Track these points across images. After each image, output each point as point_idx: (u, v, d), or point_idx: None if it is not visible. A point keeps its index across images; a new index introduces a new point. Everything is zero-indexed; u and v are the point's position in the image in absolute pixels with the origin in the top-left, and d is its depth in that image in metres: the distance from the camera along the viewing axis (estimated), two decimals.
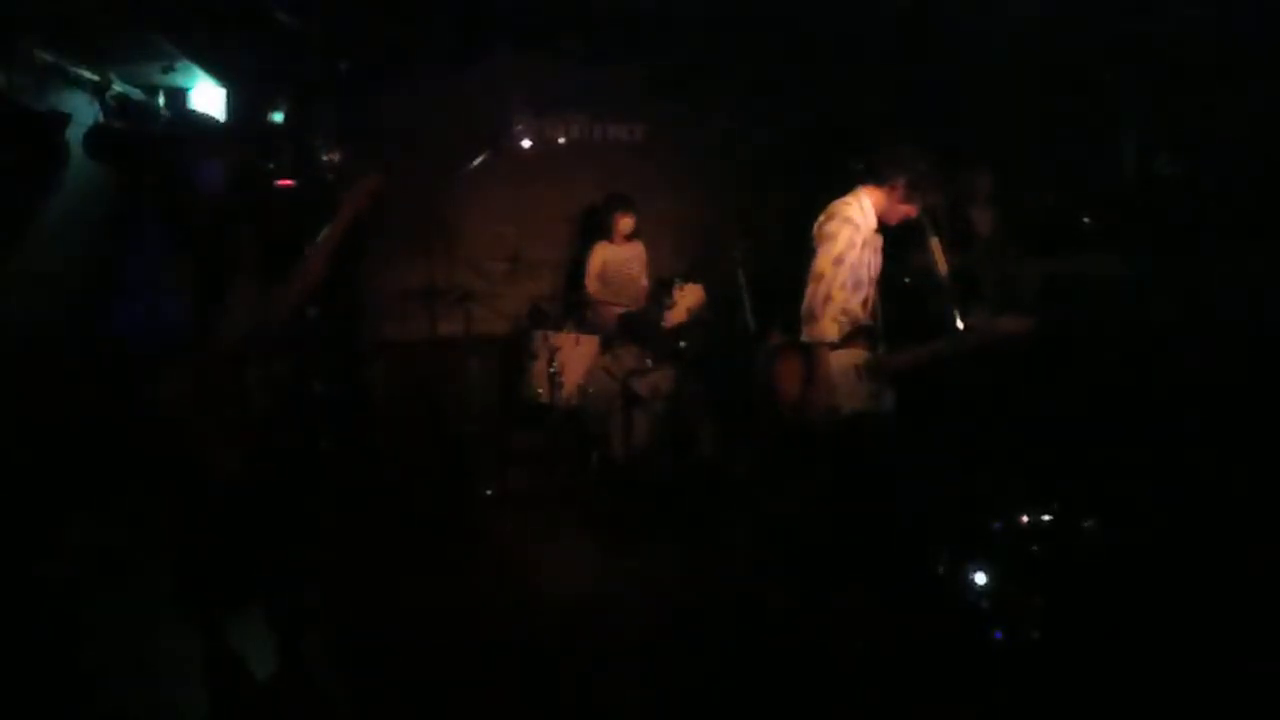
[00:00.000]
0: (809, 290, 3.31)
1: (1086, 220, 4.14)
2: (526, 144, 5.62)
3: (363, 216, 2.92)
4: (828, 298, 3.28)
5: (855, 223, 3.34)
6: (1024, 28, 4.33)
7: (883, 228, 3.52)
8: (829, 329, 3.29)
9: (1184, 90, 3.99)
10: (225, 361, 2.73)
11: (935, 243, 3.45)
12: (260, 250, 2.89)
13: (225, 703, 2.74)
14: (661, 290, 5.42)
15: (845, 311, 3.36)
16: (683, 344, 5.20)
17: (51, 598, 3.29)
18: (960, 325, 3.37)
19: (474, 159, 5.27)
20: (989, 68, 4.72)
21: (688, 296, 5.29)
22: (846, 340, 3.37)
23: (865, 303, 3.44)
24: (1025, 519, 3.46)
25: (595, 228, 5.79)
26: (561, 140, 5.97)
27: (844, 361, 3.34)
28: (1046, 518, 3.46)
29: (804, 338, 3.32)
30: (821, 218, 3.41)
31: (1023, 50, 4.48)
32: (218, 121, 4.41)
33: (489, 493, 4.90)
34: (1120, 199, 4.23)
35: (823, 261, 3.30)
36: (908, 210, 3.43)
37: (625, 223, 5.59)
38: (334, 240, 2.85)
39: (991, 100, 4.83)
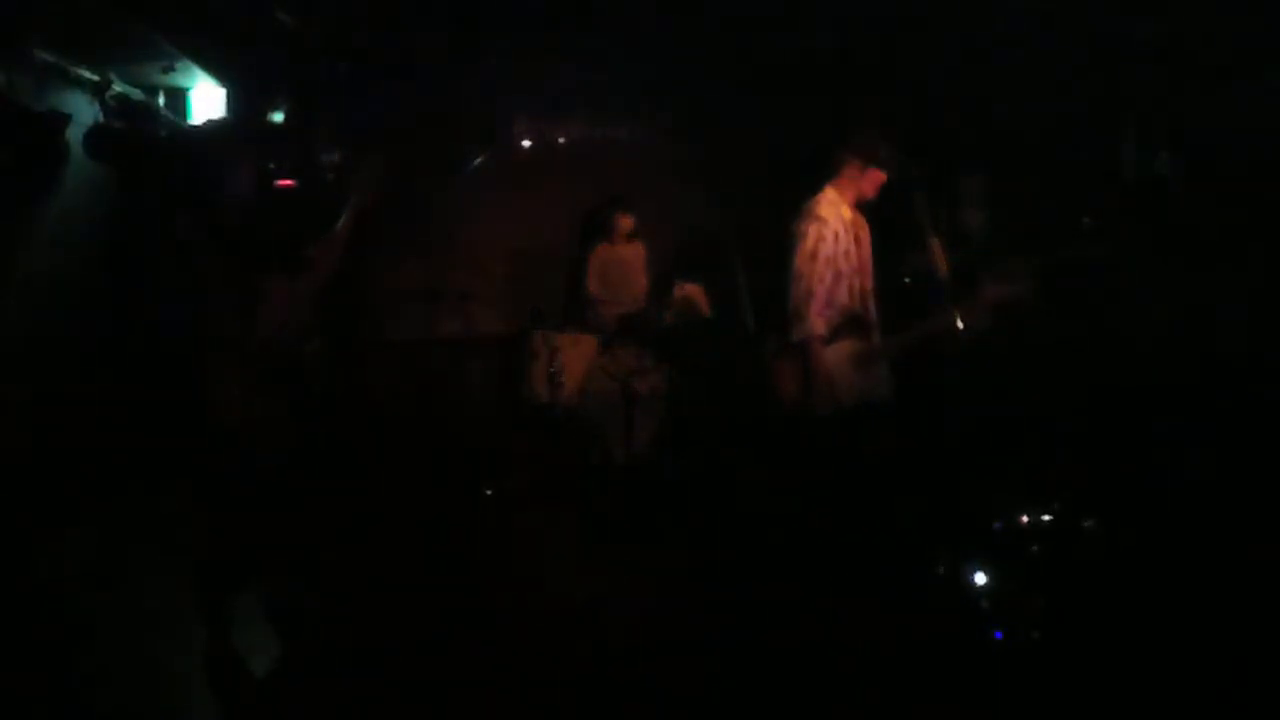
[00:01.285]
0: (791, 291, 3.40)
1: (1086, 220, 4.14)
2: (526, 144, 5.62)
3: (370, 207, 2.98)
4: (809, 294, 3.36)
5: (823, 218, 3.42)
6: (1023, 27, 4.32)
7: (877, 220, 3.57)
8: (816, 324, 3.35)
9: (1184, 90, 3.99)
10: (269, 352, 2.80)
11: (935, 243, 3.46)
12: (278, 248, 2.95)
13: (226, 702, 2.74)
14: (661, 290, 5.42)
15: (830, 305, 3.41)
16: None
17: (52, 598, 3.29)
18: (960, 325, 3.37)
19: (474, 159, 5.27)
20: (988, 68, 4.71)
21: (688, 297, 5.29)
22: (837, 333, 3.41)
23: (851, 292, 3.47)
24: (1025, 519, 3.46)
25: (595, 228, 5.79)
26: (561, 140, 5.97)
27: (838, 354, 3.38)
28: (1046, 518, 3.46)
29: (794, 337, 3.37)
30: (795, 219, 3.49)
31: (1022, 50, 4.48)
32: (234, 124, 4.43)
33: (489, 493, 4.90)
34: (1120, 199, 4.22)
35: (798, 261, 3.39)
36: (878, 179, 3.48)
37: (625, 223, 5.58)
38: (348, 229, 2.93)
39: (991, 100, 4.82)
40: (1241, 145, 3.74)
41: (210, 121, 4.46)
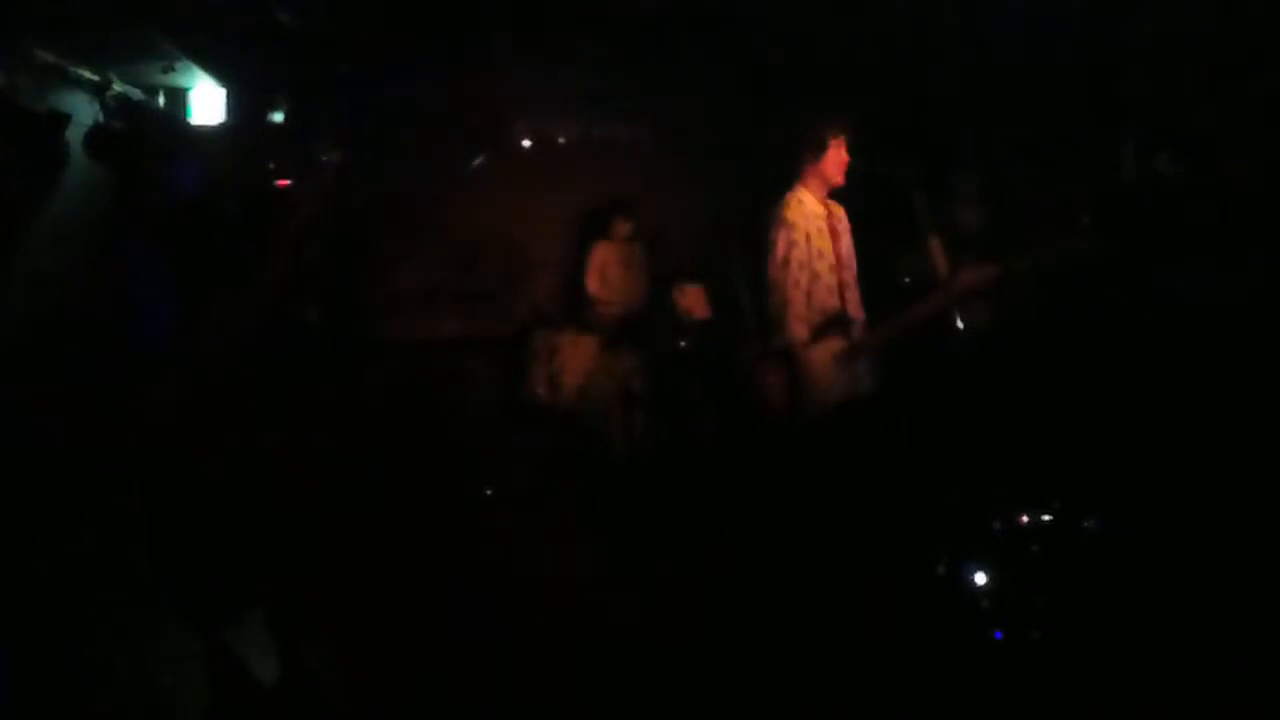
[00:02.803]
0: (769, 299, 3.40)
1: (1086, 220, 4.14)
2: (526, 144, 5.62)
3: (316, 218, 2.97)
4: (786, 301, 3.35)
5: (790, 222, 3.41)
6: (1023, 27, 4.32)
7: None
8: (797, 330, 3.35)
9: (1184, 90, 3.99)
10: (214, 366, 2.79)
11: (935, 243, 3.46)
12: (241, 254, 2.95)
13: (227, 706, 2.75)
14: (661, 290, 5.43)
15: (810, 307, 3.41)
16: (683, 344, 5.20)
17: (51, 598, 3.29)
18: (960, 325, 3.38)
19: (474, 159, 5.27)
20: (988, 67, 4.71)
21: (688, 297, 5.29)
22: (820, 333, 3.41)
23: (830, 290, 3.47)
24: (1025, 519, 3.46)
25: (595, 228, 5.79)
26: (561, 140, 5.97)
27: (822, 354, 3.38)
28: (1046, 518, 3.45)
29: (777, 344, 3.38)
30: (766, 223, 3.48)
31: (1022, 49, 4.48)
32: (192, 125, 4.41)
33: (489, 493, 4.90)
34: (1120, 199, 4.22)
35: (770, 270, 3.40)
36: (835, 163, 3.47)
37: (625, 223, 5.59)
38: (293, 241, 2.91)
39: (991, 100, 4.82)
40: (1241, 145, 3.74)
41: (169, 123, 4.43)
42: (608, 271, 5.64)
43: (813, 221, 3.44)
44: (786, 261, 3.37)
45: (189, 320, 2.77)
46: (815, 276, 3.42)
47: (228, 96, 4.62)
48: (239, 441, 2.88)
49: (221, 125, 4.52)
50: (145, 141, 4.02)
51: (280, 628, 2.98)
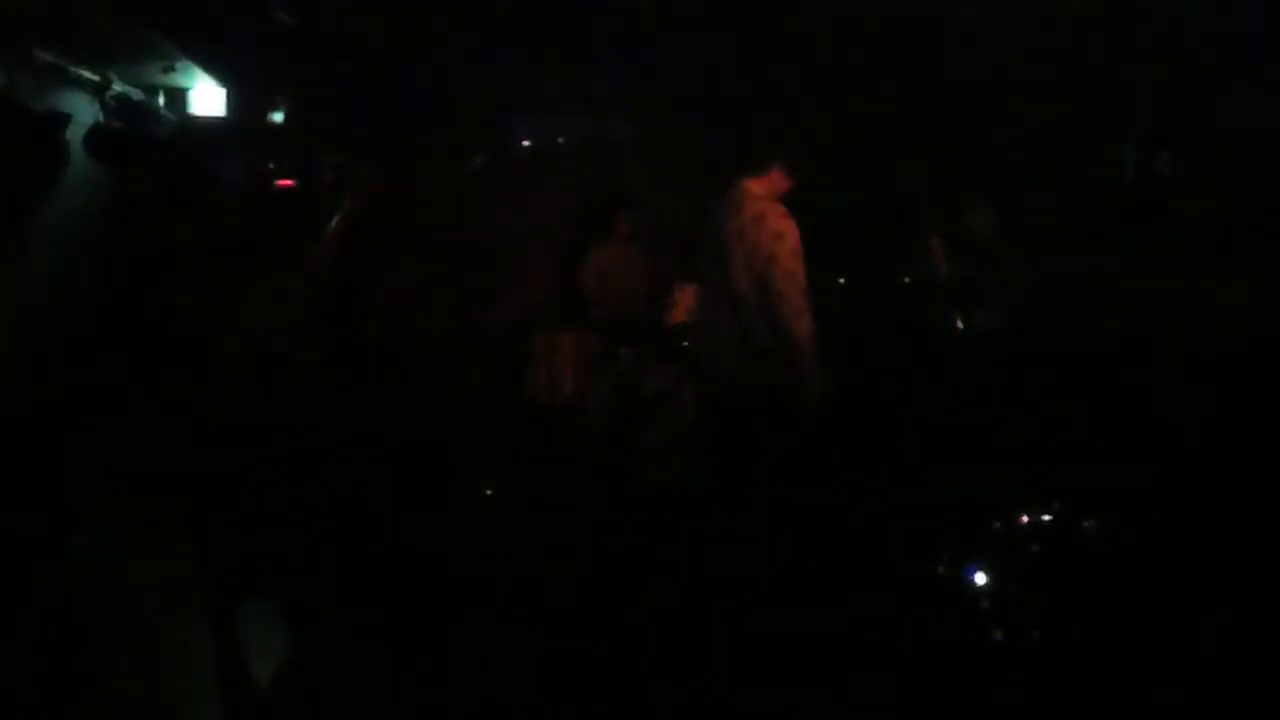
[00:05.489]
0: (787, 291, 3.23)
1: (1086, 220, 4.15)
2: (526, 144, 5.63)
3: (364, 213, 3.01)
4: (805, 291, 3.24)
5: (790, 215, 3.31)
6: (1025, 27, 4.33)
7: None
8: (811, 322, 3.26)
9: (1184, 90, 3.99)
10: (250, 356, 2.82)
11: (937, 244, 3.46)
12: (273, 246, 2.98)
13: (232, 703, 2.75)
14: (662, 290, 5.42)
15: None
16: (683, 344, 5.20)
17: (52, 598, 3.29)
18: (960, 325, 3.39)
19: (474, 159, 5.27)
20: (989, 68, 4.72)
21: (688, 297, 5.29)
22: None
23: None
24: (1025, 519, 3.47)
25: (595, 227, 5.79)
26: (561, 140, 5.98)
27: None
28: (1046, 518, 3.46)
29: (799, 333, 3.33)
30: (747, 216, 3.32)
31: (1023, 50, 4.48)
32: (226, 121, 4.43)
33: (489, 493, 4.90)
34: (1120, 199, 4.23)
35: (790, 262, 3.23)
36: (786, 189, 3.40)
37: (625, 222, 5.59)
38: (339, 234, 2.94)
39: (992, 100, 4.82)
40: (1241, 145, 3.75)
41: (202, 119, 4.45)
42: (607, 271, 5.64)
43: None
44: (797, 251, 3.25)
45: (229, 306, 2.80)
46: None
47: (228, 96, 4.61)
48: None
49: (273, 123, 4.54)
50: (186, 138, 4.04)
51: (285, 626, 2.98)
